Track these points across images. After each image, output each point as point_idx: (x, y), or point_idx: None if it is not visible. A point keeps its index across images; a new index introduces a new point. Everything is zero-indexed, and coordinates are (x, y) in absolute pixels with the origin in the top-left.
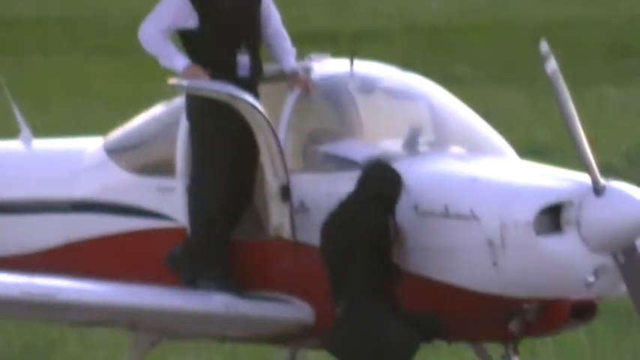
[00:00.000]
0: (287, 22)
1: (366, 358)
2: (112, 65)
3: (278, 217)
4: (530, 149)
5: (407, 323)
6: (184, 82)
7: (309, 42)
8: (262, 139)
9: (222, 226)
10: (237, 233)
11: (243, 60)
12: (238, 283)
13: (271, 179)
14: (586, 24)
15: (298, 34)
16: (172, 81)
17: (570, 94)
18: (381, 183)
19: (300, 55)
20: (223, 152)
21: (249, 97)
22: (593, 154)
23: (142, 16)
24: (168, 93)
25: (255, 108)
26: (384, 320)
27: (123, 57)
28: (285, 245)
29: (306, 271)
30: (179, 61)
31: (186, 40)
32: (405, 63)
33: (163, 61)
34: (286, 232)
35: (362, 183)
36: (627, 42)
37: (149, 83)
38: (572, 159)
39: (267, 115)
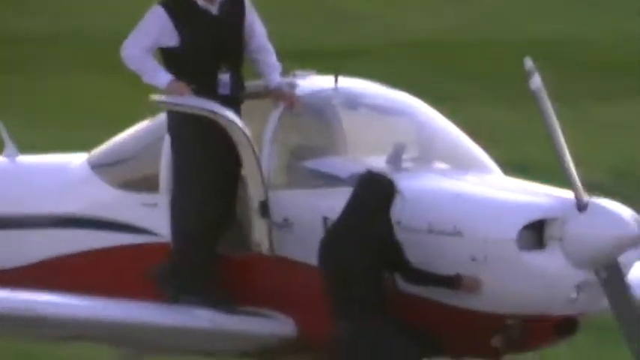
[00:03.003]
0: (274, 38)
1: None
2: (100, 82)
3: (258, 233)
4: (515, 165)
5: (411, 339)
6: (165, 99)
7: (296, 59)
8: (243, 155)
9: (205, 241)
10: (221, 248)
11: (224, 78)
12: (222, 298)
13: (252, 195)
14: (575, 41)
15: (285, 51)
16: (154, 97)
17: (555, 110)
18: (385, 193)
19: (286, 72)
20: (205, 167)
21: (229, 114)
22: (577, 170)
23: (126, 33)
24: (153, 109)
25: (235, 124)
26: (394, 335)
27: (111, 73)
28: (265, 260)
29: (288, 286)
30: (162, 77)
31: (168, 58)
32: (394, 80)
33: (146, 78)
34: (265, 248)
35: (364, 195)
36: (612, 60)
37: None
38: (557, 175)
39: (247, 132)
